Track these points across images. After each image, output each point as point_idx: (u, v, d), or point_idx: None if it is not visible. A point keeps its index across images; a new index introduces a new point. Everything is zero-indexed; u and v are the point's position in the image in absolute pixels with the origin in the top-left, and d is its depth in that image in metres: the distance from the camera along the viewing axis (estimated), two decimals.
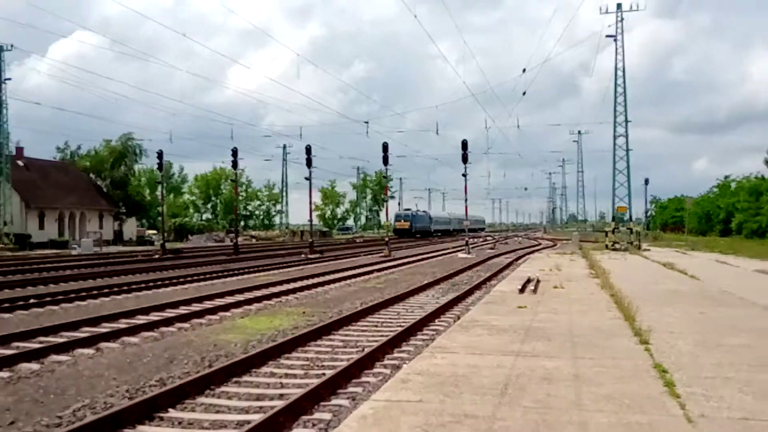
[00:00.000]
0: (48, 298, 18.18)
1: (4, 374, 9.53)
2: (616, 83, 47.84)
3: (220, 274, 27.63)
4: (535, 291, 16.48)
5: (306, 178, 47.55)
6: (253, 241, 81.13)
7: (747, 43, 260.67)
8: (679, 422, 5.43)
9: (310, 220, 54.13)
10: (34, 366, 10.09)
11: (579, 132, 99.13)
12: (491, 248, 54.69)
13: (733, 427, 5.31)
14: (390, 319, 14.74)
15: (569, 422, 5.44)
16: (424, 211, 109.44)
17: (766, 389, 6.52)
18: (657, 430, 5.20)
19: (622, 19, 47.59)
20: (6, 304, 16.90)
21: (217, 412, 7.69)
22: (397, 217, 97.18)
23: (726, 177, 78.14)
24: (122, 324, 13.96)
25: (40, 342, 11.98)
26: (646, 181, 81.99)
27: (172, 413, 7.54)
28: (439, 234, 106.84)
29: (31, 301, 17.65)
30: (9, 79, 54.19)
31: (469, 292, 19.45)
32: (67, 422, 7.15)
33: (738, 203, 63.38)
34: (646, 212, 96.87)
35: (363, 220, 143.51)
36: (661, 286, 17.59)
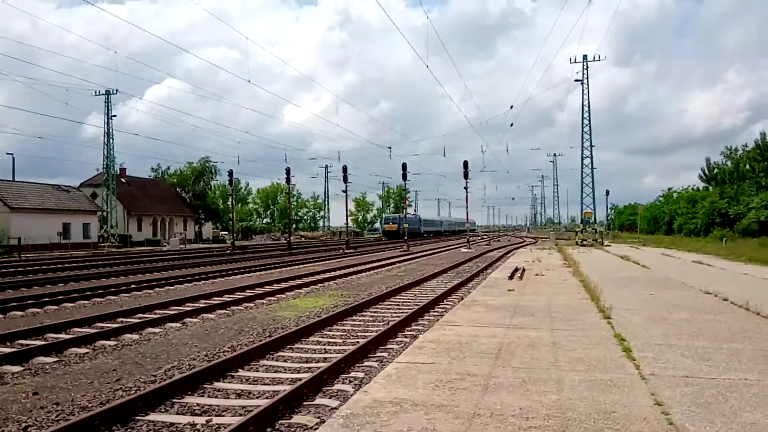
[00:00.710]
0: (144, 284, 18.40)
1: (111, 343, 9.65)
2: (582, 117, 47.41)
3: (277, 265, 27.76)
4: (521, 278, 16.41)
5: (343, 191, 47.73)
6: (302, 239, 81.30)
7: (685, 85, 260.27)
8: (634, 379, 5.43)
9: (347, 223, 54.17)
10: (135, 336, 10.22)
11: (555, 154, 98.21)
12: (486, 244, 54.41)
13: (677, 382, 5.30)
14: (409, 299, 14.70)
15: (549, 379, 5.46)
16: (414, 214, 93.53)
17: (702, 353, 6.49)
18: (617, 386, 5.20)
19: (587, 67, 47.12)
20: (113, 289, 17.18)
21: (276, 371, 7.72)
22: (386, 220, 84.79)
23: (669, 189, 77.46)
24: (202, 304, 14.03)
25: (139, 318, 12.10)
26: (607, 192, 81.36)
27: (241, 372, 7.58)
28: (430, 234, 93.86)
29: (132, 286, 17.90)
30: (115, 116, 55.45)
31: (470, 279, 19.36)
32: (160, 379, 7.23)
33: (678, 209, 62.63)
34: (607, 216, 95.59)
35: None
36: (619, 274, 17.43)
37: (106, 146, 52.77)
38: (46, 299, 14.75)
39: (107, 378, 7.36)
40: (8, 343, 9.56)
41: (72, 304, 14.36)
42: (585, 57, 47.06)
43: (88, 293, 15.97)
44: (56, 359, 8.45)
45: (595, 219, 49.91)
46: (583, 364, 6.04)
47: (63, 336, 10.14)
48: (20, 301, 14.49)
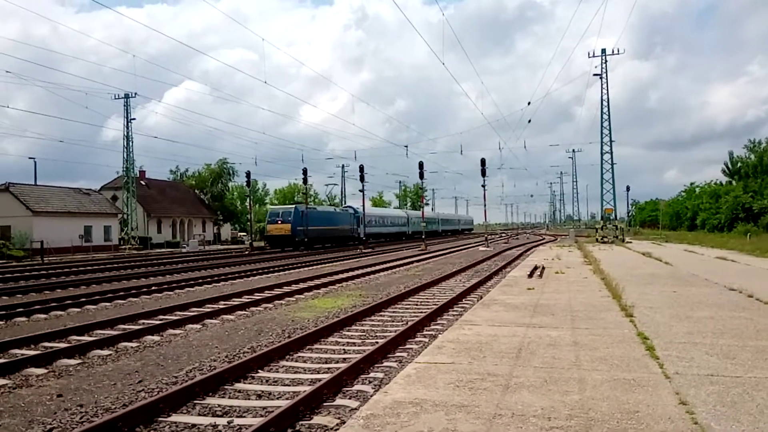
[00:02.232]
0: (165, 286, 18.62)
1: (133, 344, 9.77)
2: (602, 112, 46.88)
3: (295, 265, 27.89)
4: (540, 276, 16.30)
5: (360, 191, 47.64)
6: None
7: (706, 77, 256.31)
8: (658, 378, 5.36)
9: (364, 223, 54.23)
10: (156, 338, 10.33)
11: (573, 150, 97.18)
12: (505, 242, 54.11)
13: (701, 381, 5.22)
14: (427, 299, 14.68)
15: (571, 378, 5.41)
16: (346, 208, 61.65)
17: (726, 351, 6.39)
18: (641, 385, 5.14)
19: (606, 61, 46.52)
20: (134, 291, 17.40)
21: (295, 372, 7.74)
22: (271, 217, 47.41)
23: (691, 184, 76.35)
24: (221, 305, 14.15)
25: (160, 319, 12.24)
26: (628, 188, 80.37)
27: (261, 373, 7.63)
28: (386, 239, 63.75)
29: (153, 288, 18.12)
30: (134, 119, 56.08)
31: (489, 277, 19.28)
32: (181, 380, 7.31)
33: (701, 204, 61.73)
34: (628, 213, 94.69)
35: None
36: (641, 271, 17.22)
37: (125, 149, 53.49)
38: (69, 302, 15.00)
39: (130, 379, 7.46)
40: (32, 346, 9.74)
41: (94, 307, 14.58)
42: (603, 51, 46.53)
43: (109, 295, 16.20)
44: (79, 361, 8.58)
45: (615, 215, 49.41)
46: (605, 363, 5.98)
47: (86, 338, 10.30)
48: (43, 303, 14.75)
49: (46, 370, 8.02)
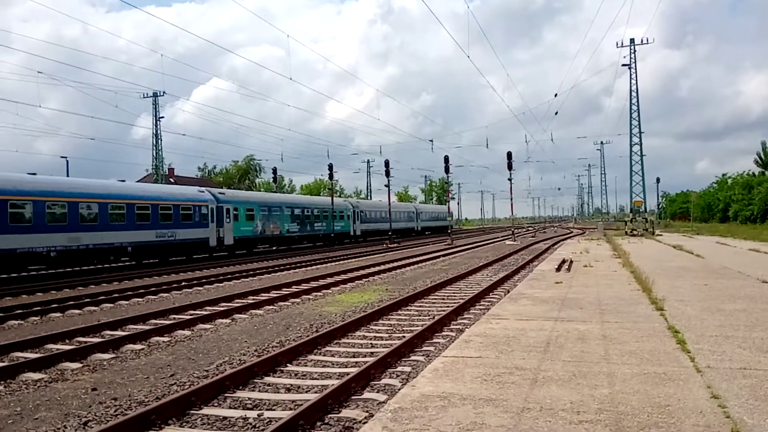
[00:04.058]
0: (194, 281, 18.94)
1: (165, 339, 9.95)
2: (631, 102, 46.11)
3: (321, 260, 28.07)
4: (568, 269, 16.13)
5: (385, 185, 47.67)
6: None
7: (739, 66, 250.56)
8: (689, 372, 5.28)
9: (389, 218, 54.27)
10: (187, 332, 10.51)
11: (602, 142, 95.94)
12: (532, 236, 53.64)
13: (734, 375, 5.13)
14: (454, 293, 14.65)
15: (600, 372, 5.37)
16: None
17: (759, 344, 6.26)
18: (671, 379, 5.07)
19: (635, 51, 45.71)
20: (164, 286, 17.72)
21: (324, 366, 7.81)
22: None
23: (723, 174, 74.46)
24: (250, 300, 14.34)
25: (190, 314, 12.45)
26: (658, 180, 79.02)
27: (290, 367, 7.72)
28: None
29: (183, 284, 18.42)
30: (162, 117, 57.10)
31: (516, 271, 19.13)
32: (212, 374, 7.43)
33: (734, 195, 60.35)
34: (658, 205, 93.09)
35: None
36: (672, 264, 16.91)
37: (154, 147, 54.49)
38: (102, 297, 15.35)
39: (162, 373, 7.61)
40: (67, 341, 10.01)
41: (126, 302, 14.91)
42: (632, 40, 45.80)
43: (141, 291, 16.55)
44: (113, 355, 8.79)
45: (645, 208, 48.61)
46: (635, 357, 5.91)
47: (119, 333, 10.54)
48: (77, 299, 15.13)
49: (80, 365, 8.24)
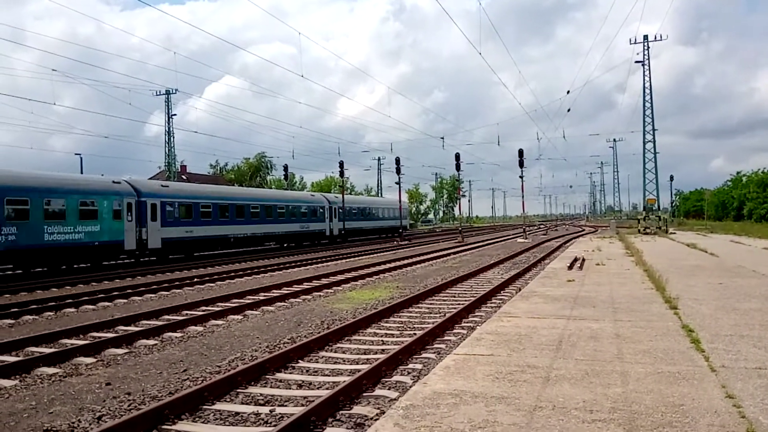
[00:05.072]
0: (206, 278, 19.06)
1: (178, 334, 10.03)
2: (644, 100, 45.82)
3: (332, 257, 28.12)
4: (581, 267, 16.05)
5: (396, 183, 47.66)
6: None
7: (755, 62, 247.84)
8: (704, 372, 5.24)
9: (400, 215, 54.28)
10: (199, 328, 10.59)
11: (614, 140, 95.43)
12: (543, 234, 53.38)
13: (749, 374, 5.08)
14: (465, 291, 14.62)
15: (613, 371, 5.34)
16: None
17: None
18: (686, 378, 5.03)
19: (649, 47, 45.52)
20: (177, 282, 17.84)
21: (335, 363, 7.83)
22: None
23: (738, 172, 73.59)
24: (261, 296, 14.39)
25: (203, 310, 12.54)
26: (671, 178, 78.15)
27: (301, 363, 7.75)
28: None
29: (195, 280, 18.55)
30: (175, 114, 57.41)
31: (527, 269, 19.05)
32: (224, 370, 7.48)
33: (749, 194, 59.61)
34: (672, 203, 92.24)
35: (441, 214, 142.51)
36: (685, 262, 16.77)
37: (167, 144, 54.85)
38: (116, 293, 15.49)
39: (175, 368, 7.67)
40: (81, 336, 10.12)
41: (140, 298, 15.03)
42: (645, 37, 45.53)
43: (154, 287, 16.67)
44: (127, 350, 8.88)
45: (658, 206, 48.25)
46: (648, 356, 5.87)
47: (132, 328, 10.63)
48: (91, 295, 15.27)
49: (94, 359, 8.33)
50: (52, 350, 8.82)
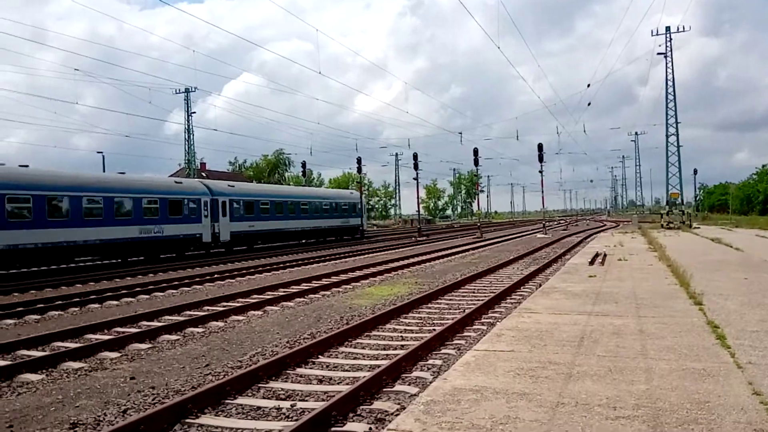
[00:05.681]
0: (226, 274, 19.24)
1: (199, 330, 10.15)
2: (667, 92, 45.12)
3: (350, 254, 28.21)
4: (602, 263, 15.89)
5: (414, 179, 47.66)
6: (374, 228, 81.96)
7: None
8: (730, 368, 5.16)
9: (418, 211, 54.28)
10: (220, 323, 10.70)
11: (636, 133, 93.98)
12: (564, 229, 52.93)
13: None
14: (484, 286, 14.57)
15: (636, 368, 5.28)
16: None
17: None
18: (711, 375, 4.96)
19: (671, 39, 44.74)
20: (197, 279, 18.03)
21: (354, 358, 7.86)
22: None
23: (763, 165, 72.16)
24: (281, 292, 14.50)
25: (224, 306, 12.66)
26: (695, 172, 77.52)
27: (321, 359, 7.79)
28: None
29: (215, 276, 18.73)
30: (194, 112, 58.02)
31: (548, 265, 18.94)
32: (245, 365, 7.55)
33: None
34: (695, 197, 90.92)
35: (459, 209, 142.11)
36: (710, 257, 16.50)
37: (186, 142, 55.39)
38: (138, 289, 15.72)
39: (197, 363, 7.77)
40: (106, 331, 10.28)
41: (162, 294, 15.23)
42: (668, 29, 44.82)
43: (175, 283, 16.88)
44: (150, 345, 9.01)
45: (682, 200, 47.51)
46: (673, 352, 5.79)
47: (155, 323, 10.78)
48: (115, 291, 15.52)
49: (119, 354, 8.47)
50: (78, 345, 8.99)
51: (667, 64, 45.10)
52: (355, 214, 44.33)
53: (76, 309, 13.01)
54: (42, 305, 13.09)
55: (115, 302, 13.89)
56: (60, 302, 13.56)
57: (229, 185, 32.38)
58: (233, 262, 25.41)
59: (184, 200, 27.76)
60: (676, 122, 45.60)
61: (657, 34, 45.31)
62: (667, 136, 45.67)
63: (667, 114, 45.49)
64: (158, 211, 26.10)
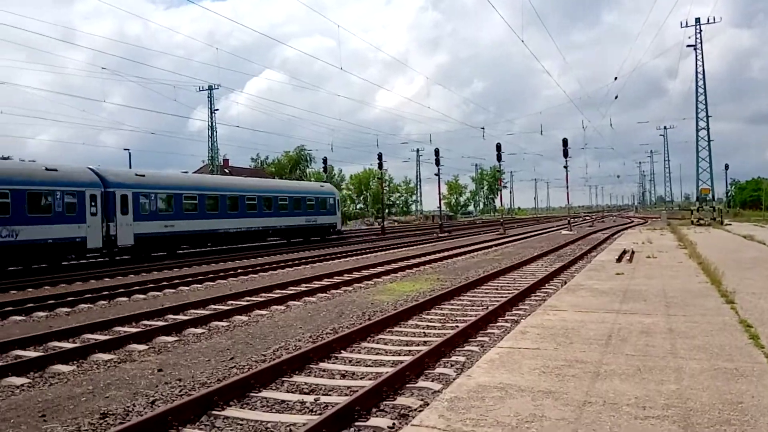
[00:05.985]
0: (250, 269, 19.43)
1: (224, 324, 10.26)
2: (697, 85, 44.17)
3: (371, 249, 28.23)
4: (630, 260, 15.65)
5: (435, 174, 47.46)
6: (395, 224, 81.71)
7: None
8: (763, 368, 5.04)
9: (440, 207, 54.04)
10: (244, 318, 10.80)
11: (665, 127, 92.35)
12: (589, 226, 52.28)
13: None
14: (508, 283, 14.44)
15: (666, 367, 5.19)
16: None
17: None
18: (744, 375, 4.85)
19: (701, 31, 43.74)
20: (222, 273, 18.23)
21: (377, 354, 7.86)
22: None
23: None
24: (303, 287, 14.57)
25: (247, 300, 12.78)
26: (726, 167, 75.46)
27: (344, 354, 7.81)
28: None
29: (239, 271, 18.93)
30: (217, 109, 58.86)
31: (573, 262, 18.69)
32: (269, 359, 7.61)
33: None
34: (727, 193, 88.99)
35: (481, 205, 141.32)
36: (742, 255, 16.14)
37: (210, 139, 56.07)
38: (165, 283, 15.95)
39: (222, 356, 7.86)
40: (134, 324, 10.46)
41: (187, 288, 15.44)
42: (698, 20, 43.84)
43: (200, 277, 17.09)
44: (176, 338, 9.14)
45: (713, 196, 46.57)
46: (704, 351, 5.68)
47: (181, 317, 10.94)
48: (142, 285, 15.77)
49: (146, 346, 8.61)
50: (107, 337, 9.16)
51: (696, 56, 44.19)
52: (325, 210, 37.75)
53: (105, 302, 13.26)
54: (72, 298, 13.37)
55: (142, 296, 14.12)
56: (89, 296, 13.83)
57: (137, 174, 25.61)
58: (255, 257, 25.65)
59: (55, 193, 20.57)
60: (707, 116, 44.68)
61: (686, 26, 44.40)
62: (698, 130, 44.76)
63: (697, 107, 44.58)
64: (8, 208, 18.93)
